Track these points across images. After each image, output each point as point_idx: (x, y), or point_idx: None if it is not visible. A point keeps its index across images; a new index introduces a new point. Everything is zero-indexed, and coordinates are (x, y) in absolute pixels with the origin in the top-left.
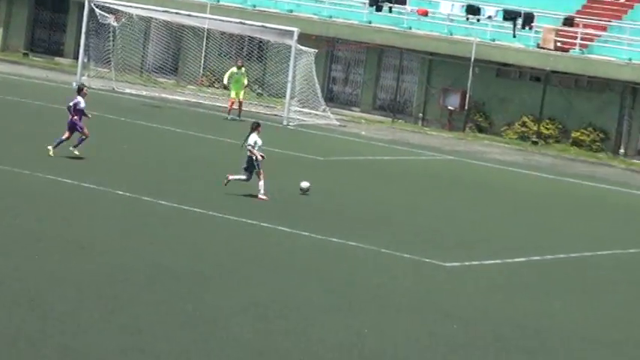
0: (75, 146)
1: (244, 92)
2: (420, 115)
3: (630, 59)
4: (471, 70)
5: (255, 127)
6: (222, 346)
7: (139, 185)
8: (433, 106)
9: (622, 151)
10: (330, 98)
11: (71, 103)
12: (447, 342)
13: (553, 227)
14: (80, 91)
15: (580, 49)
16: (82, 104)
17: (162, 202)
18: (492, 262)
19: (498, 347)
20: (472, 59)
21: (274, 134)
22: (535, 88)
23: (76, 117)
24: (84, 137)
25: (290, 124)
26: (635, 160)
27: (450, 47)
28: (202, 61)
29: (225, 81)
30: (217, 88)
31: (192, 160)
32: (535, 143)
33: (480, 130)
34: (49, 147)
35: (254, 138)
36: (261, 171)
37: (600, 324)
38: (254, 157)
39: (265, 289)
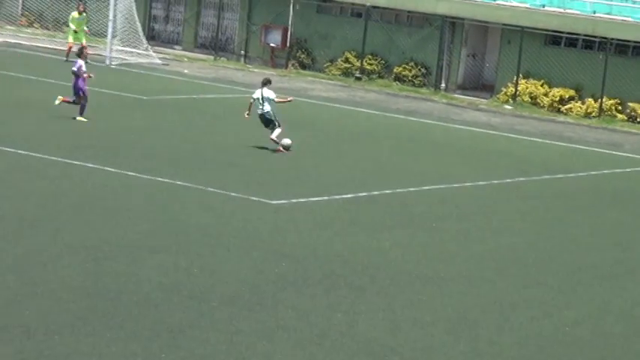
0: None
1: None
2: (242, 52)
3: None
4: (291, 6)
5: (266, 82)
6: (52, 288)
7: None
8: (255, 44)
9: (443, 85)
10: (152, 37)
11: (75, 67)
12: (277, 280)
13: (378, 163)
14: (80, 54)
15: None
16: (84, 67)
17: None
18: (319, 198)
19: (328, 284)
20: None
21: (97, 74)
22: (357, 24)
23: (81, 80)
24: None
25: (112, 63)
26: (455, 95)
27: None
28: (20, 1)
29: (73, 27)
30: (36, 28)
31: (12, 102)
32: (358, 79)
33: (303, 67)
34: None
35: (264, 93)
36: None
37: (428, 260)
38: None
39: (93, 230)
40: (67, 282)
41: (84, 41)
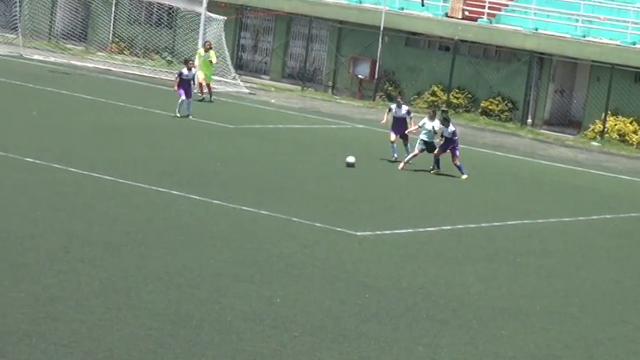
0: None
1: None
2: (330, 83)
3: (537, 29)
4: (380, 38)
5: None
6: (135, 314)
7: (48, 153)
8: (343, 75)
9: (529, 120)
10: (240, 66)
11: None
12: (359, 311)
13: (463, 197)
14: (186, 62)
15: (488, 19)
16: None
17: (72, 170)
18: (404, 231)
19: (410, 317)
20: (381, 28)
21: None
22: (444, 58)
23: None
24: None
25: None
26: (542, 130)
27: (359, 15)
28: (111, 28)
29: (196, 63)
30: (126, 55)
31: (102, 127)
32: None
33: (390, 98)
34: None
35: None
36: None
37: (511, 294)
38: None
39: (178, 257)
40: (150, 308)
41: (209, 80)
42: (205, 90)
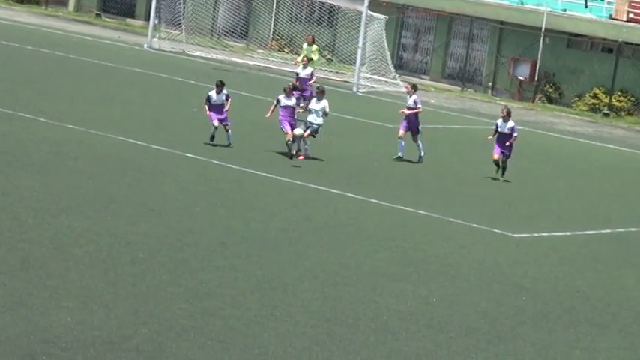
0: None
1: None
2: (490, 84)
3: None
4: (541, 40)
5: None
6: (290, 312)
7: (208, 149)
8: (503, 76)
9: None
10: (400, 65)
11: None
12: (516, 313)
13: (624, 200)
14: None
15: None
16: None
17: (232, 166)
18: (562, 233)
19: (567, 320)
20: (543, 29)
21: (344, 100)
22: (607, 60)
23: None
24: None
25: (360, 90)
26: None
27: (520, 16)
28: (272, 26)
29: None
30: (286, 52)
31: (261, 125)
32: (606, 115)
33: (550, 100)
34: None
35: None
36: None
37: None
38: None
39: (334, 255)
40: (306, 306)
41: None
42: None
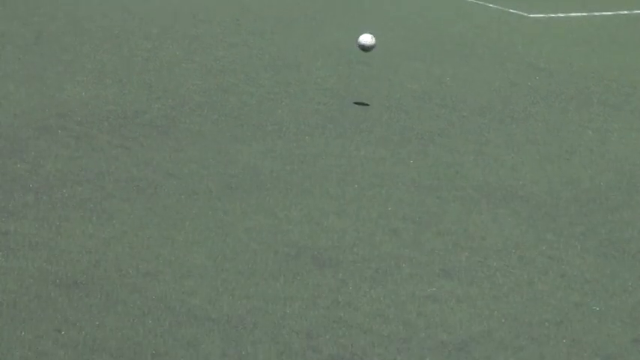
0: None
1: None
2: None
3: None
4: None
5: None
6: (304, 89)
7: None
8: None
9: None
10: None
11: None
12: (529, 92)
13: None
14: None
15: None
16: None
17: None
18: (578, 14)
19: (580, 100)
20: None
21: None
22: None
23: None
24: None
25: None
26: None
27: None
28: None
29: None
30: None
31: None
32: None
33: None
34: None
35: None
36: None
37: None
38: None
39: (349, 33)
40: (320, 83)
41: None
42: None
